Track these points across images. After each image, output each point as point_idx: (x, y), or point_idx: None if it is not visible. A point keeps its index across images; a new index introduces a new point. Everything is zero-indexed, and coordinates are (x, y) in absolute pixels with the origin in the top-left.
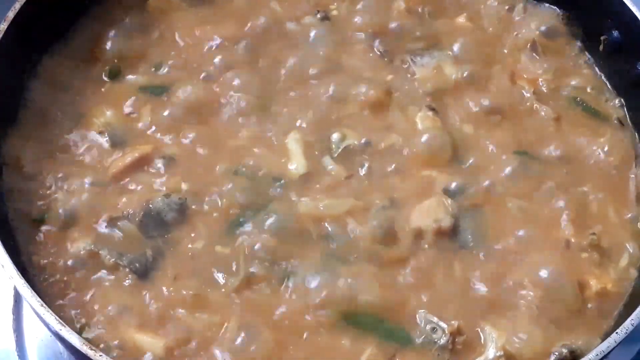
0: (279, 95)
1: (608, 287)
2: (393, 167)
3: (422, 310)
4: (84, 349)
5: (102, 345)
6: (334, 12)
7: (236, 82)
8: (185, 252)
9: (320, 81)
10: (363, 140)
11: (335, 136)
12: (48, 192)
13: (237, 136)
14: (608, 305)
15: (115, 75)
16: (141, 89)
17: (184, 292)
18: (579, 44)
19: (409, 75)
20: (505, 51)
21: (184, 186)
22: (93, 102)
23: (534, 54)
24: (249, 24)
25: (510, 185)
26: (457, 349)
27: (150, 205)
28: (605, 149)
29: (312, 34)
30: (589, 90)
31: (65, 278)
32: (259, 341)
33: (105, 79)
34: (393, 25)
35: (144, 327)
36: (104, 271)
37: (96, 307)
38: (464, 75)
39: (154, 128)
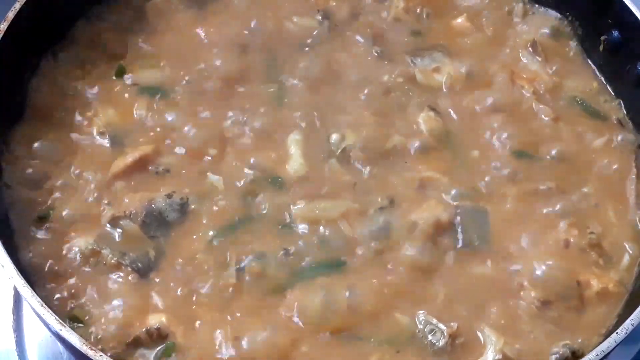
0: (278, 96)
1: (609, 287)
2: (394, 168)
3: (422, 312)
4: (84, 349)
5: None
6: (334, 12)
7: (235, 82)
8: (187, 252)
9: (320, 81)
10: (363, 141)
11: (335, 137)
12: (49, 192)
13: (237, 136)
14: (608, 305)
15: (121, 74)
16: (142, 89)
17: (183, 292)
18: (578, 44)
19: (409, 76)
20: (505, 51)
21: (185, 186)
22: (94, 102)
23: (534, 54)
24: (249, 25)
25: (510, 185)
26: (456, 351)
27: (153, 205)
28: (605, 149)
29: (312, 34)
30: (588, 90)
31: (65, 277)
32: (261, 340)
33: (113, 79)
34: (392, 25)
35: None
36: (106, 270)
37: (97, 306)
38: (464, 75)
39: (155, 128)
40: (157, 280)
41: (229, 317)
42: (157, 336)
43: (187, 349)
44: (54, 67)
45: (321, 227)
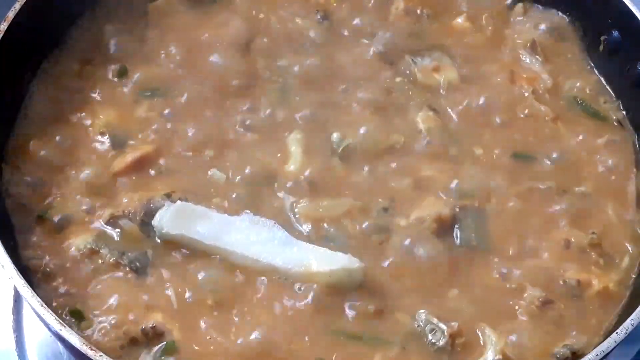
0: (278, 96)
1: (609, 287)
2: (393, 167)
3: (422, 311)
4: (84, 349)
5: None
6: (334, 13)
7: (236, 82)
8: (185, 252)
9: (320, 81)
10: (363, 140)
11: (335, 136)
12: (49, 191)
13: (238, 136)
14: (608, 305)
15: (122, 75)
16: (143, 89)
17: (182, 291)
18: (578, 44)
19: (409, 76)
20: (505, 51)
21: (184, 186)
22: (94, 103)
23: (533, 54)
24: (249, 25)
25: (510, 185)
26: (456, 351)
27: (151, 205)
28: (604, 149)
29: (312, 34)
30: (588, 90)
31: (65, 277)
32: (261, 337)
33: (114, 79)
34: (392, 26)
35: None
36: (105, 270)
37: (96, 305)
38: (464, 75)
39: (155, 128)
40: (156, 279)
41: (228, 315)
42: (153, 334)
43: (185, 347)
44: (55, 67)
45: (325, 225)
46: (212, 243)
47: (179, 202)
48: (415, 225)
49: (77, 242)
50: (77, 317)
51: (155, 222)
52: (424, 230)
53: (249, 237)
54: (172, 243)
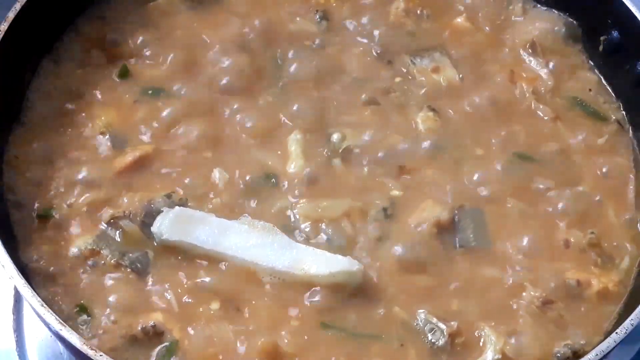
0: (278, 96)
1: (609, 287)
2: (393, 167)
3: (422, 311)
4: (84, 348)
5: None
6: (334, 13)
7: (236, 82)
8: (186, 252)
9: (320, 82)
10: (363, 141)
11: (335, 136)
12: (49, 191)
13: (237, 136)
14: (608, 305)
15: (124, 75)
16: (143, 89)
17: (182, 291)
18: (578, 44)
19: (409, 77)
20: (505, 51)
21: (185, 186)
22: (95, 103)
23: (533, 54)
24: (250, 25)
25: (509, 185)
26: (456, 351)
27: (152, 205)
28: (604, 149)
29: (312, 34)
30: (588, 90)
31: (65, 277)
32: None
33: (114, 79)
34: (392, 26)
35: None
36: (105, 270)
37: (96, 305)
38: (463, 75)
39: (155, 128)
40: (157, 280)
41: (228, 317)
42: (154, 333)
43: (186, 348)
44: (55, 67)
45: (324, 226)
46: (212, 248)
47: (177, 208)
48: (415, 225)
49: (77, 243)
50: (84, 313)
51: (154, 228)
52: (424, 230)
53: (248, 241)
54: (172, 246)
